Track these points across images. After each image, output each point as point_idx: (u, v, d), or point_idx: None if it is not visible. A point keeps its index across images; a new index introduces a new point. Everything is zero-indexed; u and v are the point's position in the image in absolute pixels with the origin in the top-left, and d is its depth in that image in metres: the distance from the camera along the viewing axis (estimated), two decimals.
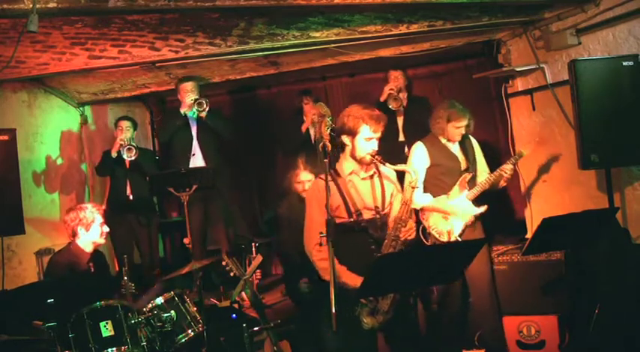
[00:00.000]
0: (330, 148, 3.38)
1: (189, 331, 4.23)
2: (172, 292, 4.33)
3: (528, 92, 5.35)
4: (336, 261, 3.21)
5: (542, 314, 4.64)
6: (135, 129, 6.22)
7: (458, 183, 4.64)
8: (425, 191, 4.69)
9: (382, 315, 3.32)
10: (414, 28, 4.93)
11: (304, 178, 4.67)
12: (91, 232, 4.46)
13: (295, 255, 4.74)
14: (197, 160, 5.99)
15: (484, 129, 5.66)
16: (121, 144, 5.95)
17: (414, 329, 3.57)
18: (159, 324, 4.12)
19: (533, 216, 5.30)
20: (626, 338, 4.01)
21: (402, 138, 5.68)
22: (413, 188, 3.40)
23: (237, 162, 7.02)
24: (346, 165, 3.53)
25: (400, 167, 3.51)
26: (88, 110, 6.76)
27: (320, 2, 4.04)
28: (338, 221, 3.35)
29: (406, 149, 5.45)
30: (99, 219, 4.49)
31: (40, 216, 5.90)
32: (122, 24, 4.22)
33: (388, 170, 3.56)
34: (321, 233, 3.20)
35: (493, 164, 4.89)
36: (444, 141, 4.72)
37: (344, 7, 4.28)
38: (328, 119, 5.82)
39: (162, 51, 4.96)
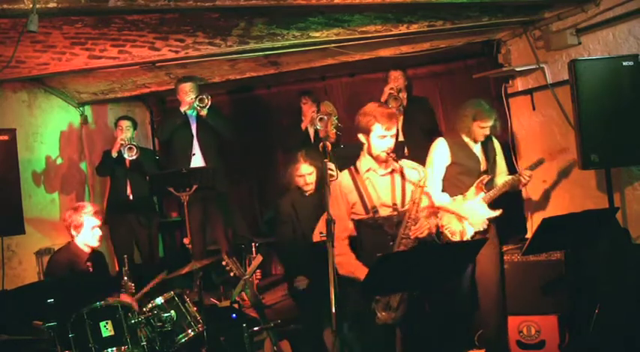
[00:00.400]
0: (330, 148, 3.38)
1: (189, 331, 4.24)
2: (172, 292, 4.33)
3: (528, 92, 5.35)
4: (352, 256, 3.42)
5: (542, 314, 4.63)
6: (135, 128, 6.21)
7: (475, 184, 4.50)
8: (443, 190, 4.55)
9: (393, 312, 3.34)
10: (414, 28, 4.93)
11: (305, 171, 4.68)
12: (82, 235, 4.45)
13: (294, 252, 4.76)
14: (197, 160, 5.98)
15: None
16: (122, 144, 5.95)
17: (427, 328, 3.57)
18: (159, 324, 4.13)
19: (533, 216, 5.30)
20: (626, 338, 4.00)
21: (401, 138, 5.67)
22: (421, 187, 3.40)
23: (237, 162, 7.02)
24: (364, 162, 3.55)
25: (410, 164, 3.54)
26: (88, 110, 6.76)
27: (320, 2, 4.05)
28: (355, 217, 3.47)
29: (406, 149, 5.45)
30: (90, 222, 4.44)
31: (40, 215, 5.90)
32: (122, 24, 4.22)
33: (410, 167, 3.56)
34: (321, 233, 3.22)
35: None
36: (466, 139, 4.56)
37: (344, 7, 4.28)
38: (334, 118, 5.85)
39: (162, 51, 4.96)
